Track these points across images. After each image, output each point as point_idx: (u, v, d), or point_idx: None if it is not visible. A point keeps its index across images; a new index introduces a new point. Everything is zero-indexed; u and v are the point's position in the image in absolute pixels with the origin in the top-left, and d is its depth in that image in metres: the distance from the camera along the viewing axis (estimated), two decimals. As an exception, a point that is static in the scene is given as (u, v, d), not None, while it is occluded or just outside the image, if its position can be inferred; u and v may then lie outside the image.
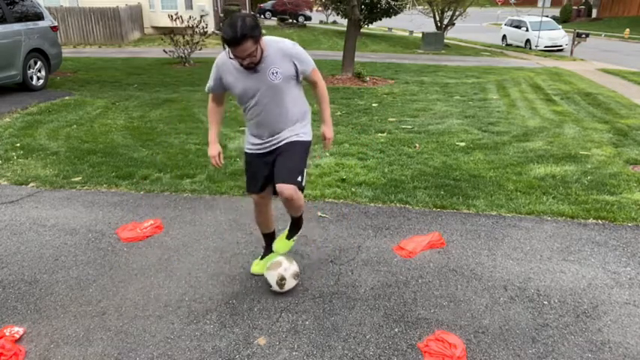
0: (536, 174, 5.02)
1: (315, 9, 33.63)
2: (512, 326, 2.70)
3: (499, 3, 27.39)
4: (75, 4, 19.89)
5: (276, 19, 31.78)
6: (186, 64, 13.01)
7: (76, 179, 4.75)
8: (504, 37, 24.94)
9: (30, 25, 8.91)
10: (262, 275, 3.04)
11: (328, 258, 3.37)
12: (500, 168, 5.19)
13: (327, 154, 5.49)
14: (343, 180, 4.78)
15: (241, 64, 2.60)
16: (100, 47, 18.03)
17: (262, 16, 34.54)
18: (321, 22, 33.59)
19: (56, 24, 9.86)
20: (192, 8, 20.76)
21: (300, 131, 2.83)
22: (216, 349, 2.50)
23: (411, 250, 3.47)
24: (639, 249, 3.55)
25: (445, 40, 21.10)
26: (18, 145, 5.76)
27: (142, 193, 4.49)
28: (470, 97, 9.48)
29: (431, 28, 22.02)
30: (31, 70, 8.96)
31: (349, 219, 3.97)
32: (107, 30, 18.67)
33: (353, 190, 4.54)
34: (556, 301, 2.93)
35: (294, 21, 30.13)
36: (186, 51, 12.94)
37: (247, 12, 30.16)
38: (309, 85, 2.92)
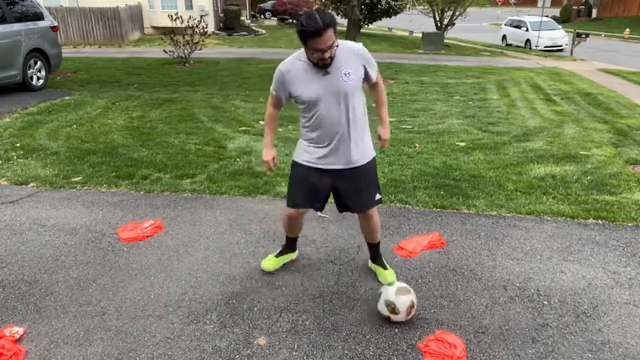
0: (536, 174, 5.02)
1: (314, 9, 33.59)
2: (512, 326, 2.70)
3: (499, 3, 27.37)
4: (75, 4, 19.89)
5: (276, 19, 31.77)
6: (186, 64, 13.01)
7: (76, 179, 4.75)
8: (504, 37, 24.94)
9: (30, 25, 8.91)
10: (271, 272, 3.12)
11: (328, 258, 3.38)
12: (500, 168, 5.19)
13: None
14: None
15: (318, 63, 2.54)
16: (100, 47, 18.03)
17: (262, 16, 34.54)
18: (321, 22, 33.53)
19: (56, 24, 9.86)
20: (192, 8, 20.75)
21: (367, 147, 2.81)
22: (216, 349, 2.51)
23: (411, 250, 3.47)
24: (639, 249, 3.55)
25: (445, 40, 21.09)
26: (18, 145, 5.76)
27: (142, 193, 4.49)
28: (470, 97, 9.48)
29: (431, 28, 22.01)
30: (31, 70, 8.96)
31: (349, 219, 3.96)
32: (107, 30, 18.67)
33: (353, 190, 4.53)
34: (556, 301, 2.93)
35: (294, 21, 30.11)
36: (186, 51, 12.94)
37: (249, 11, 30.18)
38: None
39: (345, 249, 3.50)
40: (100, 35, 18.69)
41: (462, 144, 6.11)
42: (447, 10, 21.95)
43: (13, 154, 5.45)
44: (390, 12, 22.95)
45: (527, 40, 22.73)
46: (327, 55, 2.50)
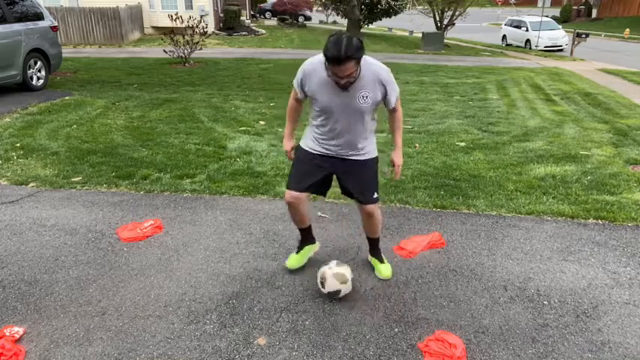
0: (536, 174, 5.03)
1: (315, 9, 33.62)
2: (512, 326, 2.70)
3: (499, 3, 27.39)
4: (75, 4, 19.88)
5: (276, 19, 31.77)
6: (186, 64, 13.00)
7: (76, 179, 4.75)
8: (504, 37, 24.93)
9: (30, 25, 8.91)
10: (298, 269, 3.14)
11: (328, 258, 3.37)
12: (500, 168, 5.19)
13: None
14: (343, 180, 4.77)
15: (336, 82, 2.56)
16: (100, 47, 18.02)
17: (262, 16, 34.54)
18: (321, 22, 33.59)
19: (56, 24, 9.85)
20: (192, 8, 20.74)
21: (372, 146, 2.88)
22: (216, 349, 2.51)
23: (411, 250, 3.47)
24: (639, 249, 3.55)
25: (445, 40, 21.09)
26: (18, 145, 5.76)
27: (142, 193, 4.49)
28: (470, 97, 9.48)
29: (431, 28, 22.02)
30: (31, 70, 8.96)
31: (349, 219, 3.97)
32: (107, 30, 18.65)
33: (353, 190, 4.53)
34: (556, 301, 2.93)
35: (294, 21, 30.12)
36: (186, 51, 12.93)
37: (249, 11, 30.18)
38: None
39: (345, 249, 3.50)
40: (100, 35, 18.68)
41: (462, 144, 6.11)
42: (447, 10, 21.96)
43: (13, 154, 5.45)
44: (390, 12, 22.96)
45: (527, 40, 22.72)
46: (342, 81, 2.53)
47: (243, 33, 22.81)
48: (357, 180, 2.89)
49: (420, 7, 22.36)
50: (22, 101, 8.04)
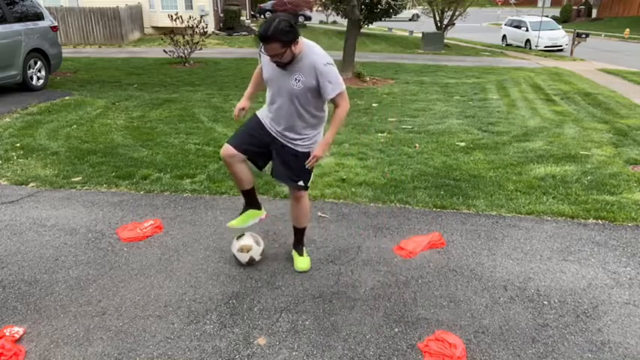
0: (536, 174, 5.03)
1: (315, 9, 33.62)
2: (512, 326, 2.70)
3: (499, 3, 27.39)
4: (75, 4, 19.88)
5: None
6: (186, 64, 13.01)
7: (76, 179, 4.76)
8: (504, 37, 24.92)
9: (30, 25, 8.91)
10: (237, 228, 3.24)
11: (328, 258, 3.37)
12: (500, 168, 5.19)
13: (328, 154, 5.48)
14: (343, 180, 4.78)
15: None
16: (100, 47, 18.02)
17: (262, 16, 34.53)
18: (321, 22, 33.58)
19: (56, 24, 9.85)
20: (192, 8, 20.74)
21: (307, 142, 2.94)
22: (216, 349, 2.51)
23: (411, 250, 3.47)
24: (639, 249, 3.55)
25: (445, 40, 21.09)
26: (18, 145, 5.76)
27: (142, 193, 4.49)
28: (470, 97, 9.48)
29: (431, 28, 22.02)
30: (31, 70, 8.96)
31: (349, 219, 3.97)
32: (107, 30, 18.65)
33: (353, 190, 4.54)
34: (556, 301, 2.93)
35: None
36: (186, 51, 12.94)
37: (249, 11, 30.17)
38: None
39: (345, 249, 3.50)
40: (100, 35, 18.68)
41: (462, 144, 6.11)
42: (447, 10, 21.96)
43: (13, 154, 5.45)
44: (390, 12, 22.94)
45: (527, 40, 22.71)
46: (273, 59, 2.68)
47: (243, 33, 22.81)
48: (288, 167, 2.98)
49: (420, 7, 22.38)
50: (22, 101, 8.04)
